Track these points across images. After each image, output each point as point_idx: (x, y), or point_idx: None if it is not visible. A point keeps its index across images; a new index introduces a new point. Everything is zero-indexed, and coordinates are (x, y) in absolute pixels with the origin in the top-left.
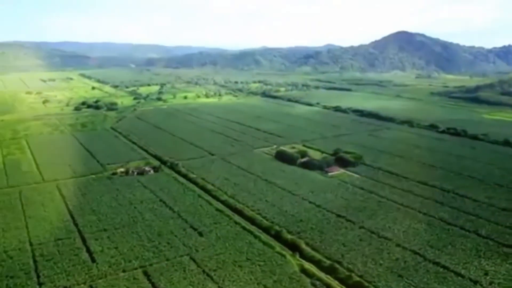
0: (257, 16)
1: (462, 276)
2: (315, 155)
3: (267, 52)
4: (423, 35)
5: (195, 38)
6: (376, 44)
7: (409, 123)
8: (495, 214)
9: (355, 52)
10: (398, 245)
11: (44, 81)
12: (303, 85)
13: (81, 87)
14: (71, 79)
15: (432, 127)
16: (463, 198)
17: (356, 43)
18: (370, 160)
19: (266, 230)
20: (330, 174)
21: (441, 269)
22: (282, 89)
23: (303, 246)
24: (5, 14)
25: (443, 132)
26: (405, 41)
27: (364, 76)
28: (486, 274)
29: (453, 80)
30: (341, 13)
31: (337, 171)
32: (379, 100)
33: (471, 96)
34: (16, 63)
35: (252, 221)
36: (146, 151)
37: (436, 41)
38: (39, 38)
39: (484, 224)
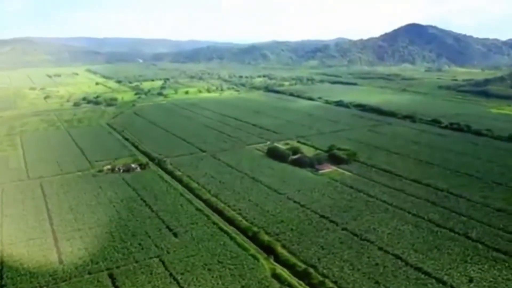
0: (269, 9)
1: (444, 283)
2: (309, 151)
3: (274, 46)
4: (435, 28)
5: (206, 32)
6: (386, 37)
7: (411, 118)
8: (489, 215)
9: (364, 45)
10: (380, 249)
11: (50, 76)
12: (308, 79)
13: (85, 83)
14: (77, 74)
15: (435, 122)
16: (457, 198)
17: (367, 36)
18: (365, 157)
19: (243, 231)
20: (320, 171)
21: (423, 275)
22: (286, 83)
23: (279, 248)
24: (18, 10)
25: (445, 127)
26: (416, 34)
27: (372, 70)
28: (470, 281)
29: (464, 73)
30: (353, 5)
31: (329, 168)
32: (384, 94)
33: (479, 90)
34: (26, 58)
35: (231, 221)
36: (137, 147)
37: (448, 34)
38: (52, 34)
39: (475, 226)
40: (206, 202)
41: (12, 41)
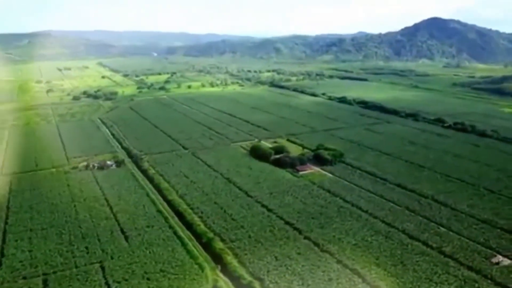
0: (291, 2)
1: None
2: (297, 150)
3: (288, 40)
4: (457, 22)
5: (224, 26)
6: (405, 31)
7: (414, 116)
8: (471, 227)
9: (382, 39)
10: (339, 262)
11: (60, 70)
12: (317, 74)
13: (92, 76)
14: (87, 67)
15: (438, 121)
16: (440, 206)
17: (388, 30)
18: (352, 157)
19: (198, 236)
20: (301, 173)
21: None
22: (294, 78)
23: (229, 258)
24: (38, 4)
25: (448, 127)
26: (436, 28)
27: (387, 65)
28: None
29: (484, 69)
30: None
31: (311, 169)
32: (393, 90)
33: (495, 88)
34: (41, 52)
35: (189, 225)
36: (120, 143)
37: (471, 28)
38: (71, 27)
39: (453, 239)
40: (169, 203)
41: (31, 35)
